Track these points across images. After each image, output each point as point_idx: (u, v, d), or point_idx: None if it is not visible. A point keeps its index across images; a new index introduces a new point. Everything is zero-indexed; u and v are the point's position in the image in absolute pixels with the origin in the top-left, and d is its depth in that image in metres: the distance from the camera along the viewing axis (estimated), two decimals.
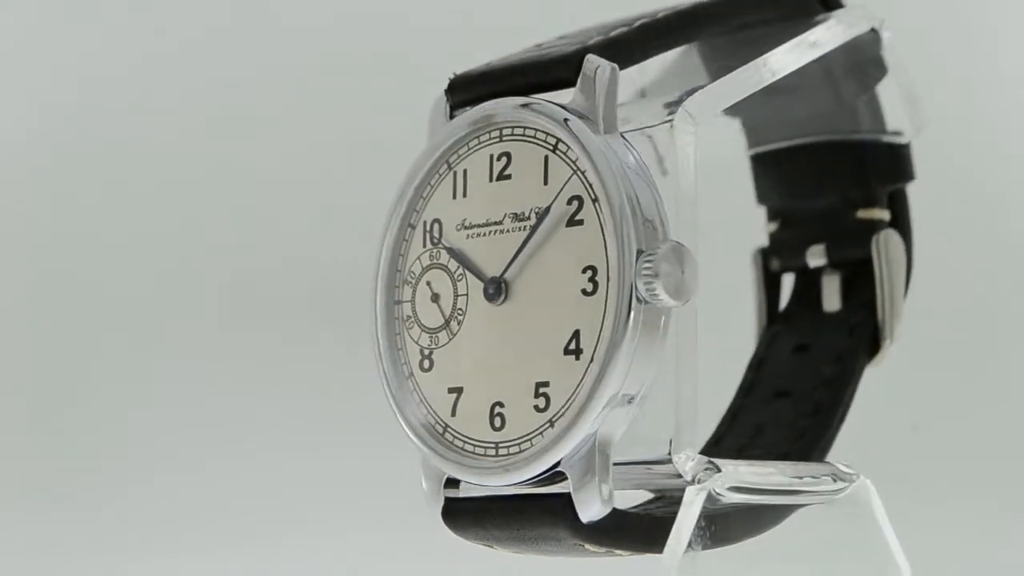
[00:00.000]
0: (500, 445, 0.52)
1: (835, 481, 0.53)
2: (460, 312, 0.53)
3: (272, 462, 0.81)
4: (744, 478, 0.51)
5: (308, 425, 0.82)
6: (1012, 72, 0.83)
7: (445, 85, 0.55)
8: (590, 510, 0.50)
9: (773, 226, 0.64)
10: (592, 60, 0.51)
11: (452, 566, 0.72)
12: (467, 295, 0.53)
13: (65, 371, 0.83)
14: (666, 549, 0.50)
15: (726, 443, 0.60)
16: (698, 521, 0.50)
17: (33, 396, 0.83)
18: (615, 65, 0.51)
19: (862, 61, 0.60)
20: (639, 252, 0.49)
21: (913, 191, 0.63)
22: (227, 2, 0.85)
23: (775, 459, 0.56)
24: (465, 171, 0.54)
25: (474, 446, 0.52)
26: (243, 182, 0.84)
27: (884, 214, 0.62)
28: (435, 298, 0.54)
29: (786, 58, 0.55)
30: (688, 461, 0.50)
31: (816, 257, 0.63)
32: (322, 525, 0.79)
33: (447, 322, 0.53)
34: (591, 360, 0.50)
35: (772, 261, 0.64)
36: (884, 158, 0.62)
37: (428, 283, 0.54)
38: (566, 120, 0.51)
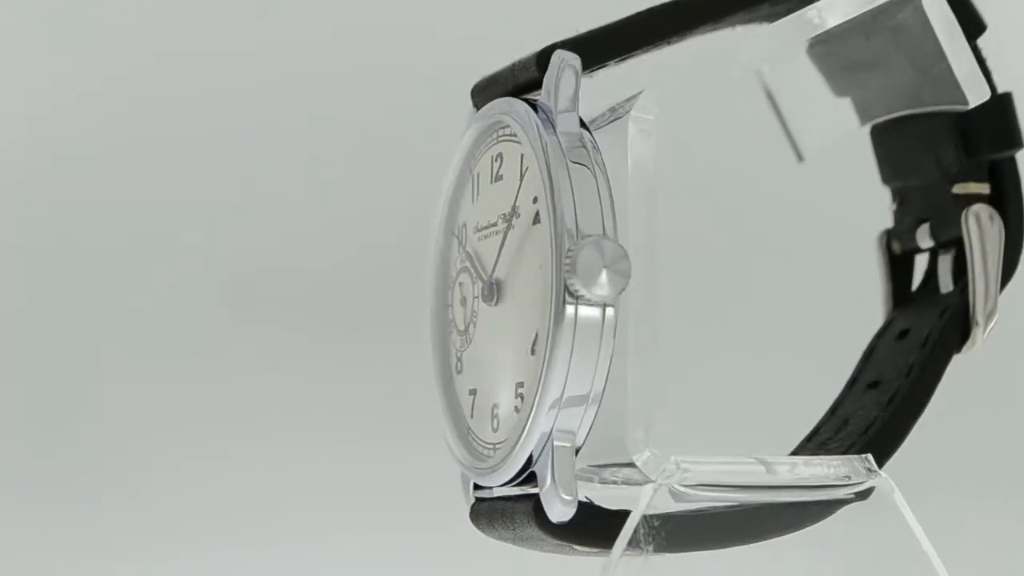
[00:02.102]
0: (496, 446, 0.52)
1: (848, 479, 0.52)
2: (475, 314, 0.53)
3: (273, 462, 0.81)
4: (718, 477, 0.50)
5: (308, 425, 0.82)
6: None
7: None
8: (554, 510, 0.50)
9: (894, 206, 0.61)
10: (555, 55, 0.51)
11: (454, 566, 0.72)
12: (479, 297, 0.53)
13: (65, 371, 0.83)
14: (615, 546, 0.50)
15: (817, 438, 0.57)
16: (649, 520, 0.50)
17: (33, 396, 0.83)
18: (576, 59, 0.50)
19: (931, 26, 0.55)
20: (568, 249, 0.48)
21: None
22: (227, 3, 0.85)
23: (844, 453, 0.54)
24: (478, 174, 0.54)
25: (483, 447, 0.53)
26: (243, 182, 0.84)
27: (981, 187, 0.57)
28: (463, 301, 0.54)
29: (828, 12, 0.52)
30: (647, 461, 0.50)
31: (924, 238, 0.59)
32: (322, 525, 0.79)
33: (467, 325, 0.54)
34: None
35: (893, 243, 0.61)
36: (975, 127, 0.57)
37: (460, 285, 0.54)
38: (523, 115, 0.51)
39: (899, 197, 0.61)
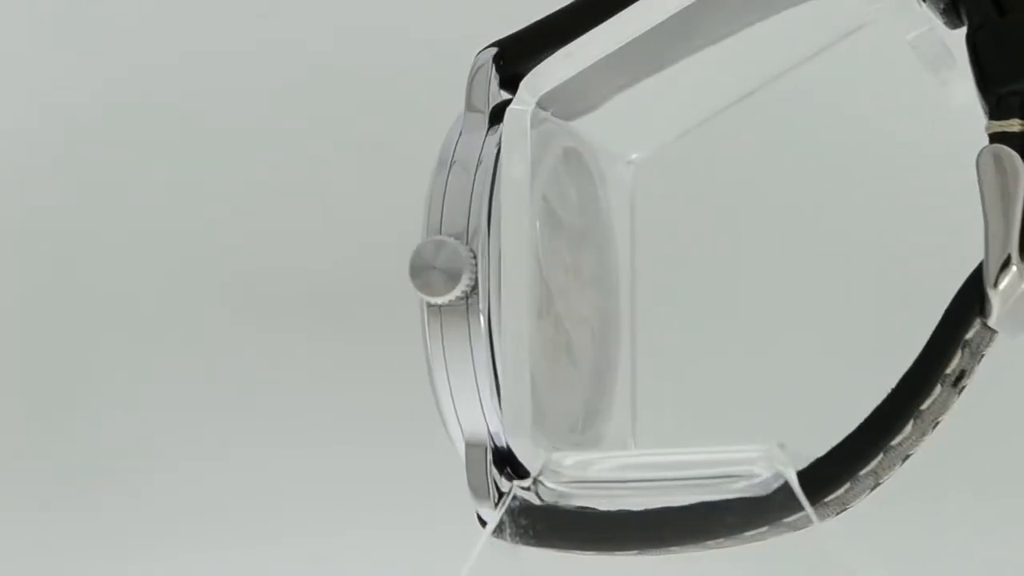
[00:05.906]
0: None
1: (751, 473, 0.47)
2: None
3: (273, 462, 0.81)
4: (595, 472, 0.49)
5: (308, 426, 0.82)
6: None
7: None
8: (482, 512, 0.49)
9: None
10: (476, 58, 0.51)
11: (454, 566, 0.72)
12: None
13: (65, 371, 0.83)
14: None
15: None
16: (516, 518, 0.48)
17: (33, 396, 0.83)
18: (487, 56, 0.50)
19: None
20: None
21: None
22: (227, 3, 0.85)
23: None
24: None
25: None
26: (243, 182, 0.84)
27: (1005, 125, 0.46)
28: None
29: None
30: (539, 463, 0.49)
31: None
32: (322, 525, 0.79)
33: None
34: None
35: None
36: (979, 58, 0.47)
37: None
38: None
39: None
